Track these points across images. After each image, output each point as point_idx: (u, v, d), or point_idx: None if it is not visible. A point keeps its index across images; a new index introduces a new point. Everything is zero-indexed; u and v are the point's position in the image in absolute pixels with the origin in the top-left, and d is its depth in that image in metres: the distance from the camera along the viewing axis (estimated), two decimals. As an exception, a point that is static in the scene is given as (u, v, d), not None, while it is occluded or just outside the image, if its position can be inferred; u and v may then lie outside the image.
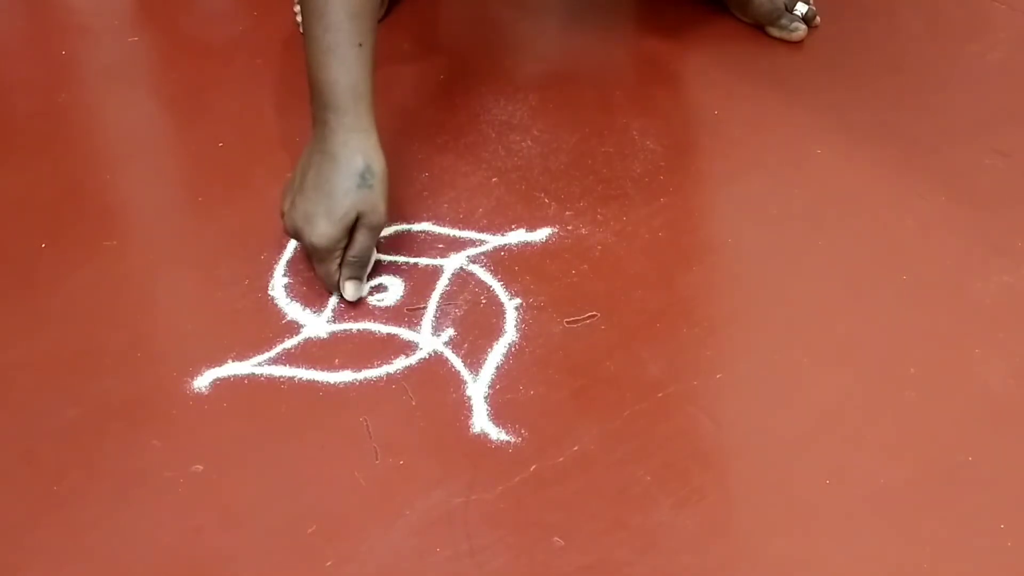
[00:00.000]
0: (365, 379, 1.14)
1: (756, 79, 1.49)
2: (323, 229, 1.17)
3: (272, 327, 1.19)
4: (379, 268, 1.24)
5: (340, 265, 1.19)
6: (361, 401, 1.12)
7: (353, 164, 1.17)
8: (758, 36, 1.56)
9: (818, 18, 1.56)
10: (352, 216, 1.17)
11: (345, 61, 1.17)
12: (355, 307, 1.20)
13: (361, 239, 1.18)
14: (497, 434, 1.09)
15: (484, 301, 1.21)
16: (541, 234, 1.28)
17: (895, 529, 1.01)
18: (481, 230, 1.28)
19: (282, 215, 1.21)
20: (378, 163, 1.18)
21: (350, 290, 1.19)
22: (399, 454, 1.07)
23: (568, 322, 1.18)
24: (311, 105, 1.20)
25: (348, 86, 1.17)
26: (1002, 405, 1.10)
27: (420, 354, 1.16)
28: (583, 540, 1.00)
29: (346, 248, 1.19)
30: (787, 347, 1.16)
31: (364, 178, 1.17)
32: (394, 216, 1.29)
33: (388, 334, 1.18)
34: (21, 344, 1.18)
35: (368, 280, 1.22)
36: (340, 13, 1.16)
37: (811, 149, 1.39)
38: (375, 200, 1.17)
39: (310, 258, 1.21)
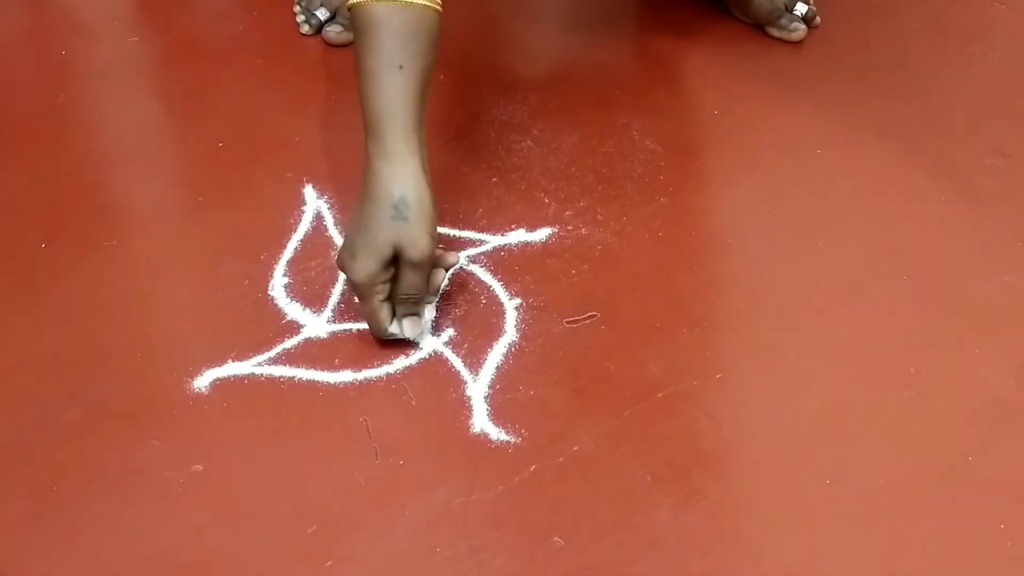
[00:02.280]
0: (365, 379, 1.14)
1: (756, 79, 1.49)
2: (360, 263, 1.11)
3: (272, 327, 1.19)
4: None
5: (389, 301, 1.13)
6: (361, 401, 1.12)
7: (385, 195, 1.11)
8: (758, 36, 1.56)
9: (818, 18, 1.56)
10: (388, 251, 1.10)
11: (382, 85, 1.12)
12: (355, 307, 1.19)
13: (408, 275, 1.12)
14: (497, 434, 1.08)
15: (484, 301, 1.21)
16: (541, 234, 1.28)
17: (895, 529, 1.01)
18: (481, 230, 1.28)
19: None
20: (414, 193, 1.11)
21: (408, 327, 1.13)
22: (399, 454, 1.07)
23: (568, 322, 1.18)
24: None
25: (383, 112, 1.12)
26: (1002, 405, 1.10)
27: (420, 354, 1.16)
28: (583, 540, 1.00)
29: (395, 283, 1.13)
30: (787, 347, 1.16)
31: (398, 209, 1.10)
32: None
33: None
34: (21, 344, 1.18)
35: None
36: (384, 36, 1.11)
37: (811, 149, 1.39)
38: (413, 233, 1.10)
39: (357, 293, 1.14)
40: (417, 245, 1.11)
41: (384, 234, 1.11)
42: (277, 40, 1.58)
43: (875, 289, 1.22)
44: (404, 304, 1.14)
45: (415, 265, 1.12)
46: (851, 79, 1.49)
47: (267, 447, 1.09)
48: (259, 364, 1.15)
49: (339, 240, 1.27)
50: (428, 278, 1.14)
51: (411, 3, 1.12)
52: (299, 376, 1.14)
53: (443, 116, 1.44)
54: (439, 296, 1.18)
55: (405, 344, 1.16)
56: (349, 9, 1.15)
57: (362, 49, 1.13)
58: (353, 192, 1.16)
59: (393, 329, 1.14)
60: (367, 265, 1.11)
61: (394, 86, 1.12)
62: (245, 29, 1.61)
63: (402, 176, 1.11)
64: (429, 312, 1.16)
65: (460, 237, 1.28)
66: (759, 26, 1.56)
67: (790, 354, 1.16)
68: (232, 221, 1.31)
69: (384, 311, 1.13)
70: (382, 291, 1.13)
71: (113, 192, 1.39)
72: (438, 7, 1.14)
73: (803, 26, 1.54)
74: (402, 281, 1.13)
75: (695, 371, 1.14)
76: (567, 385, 1.13)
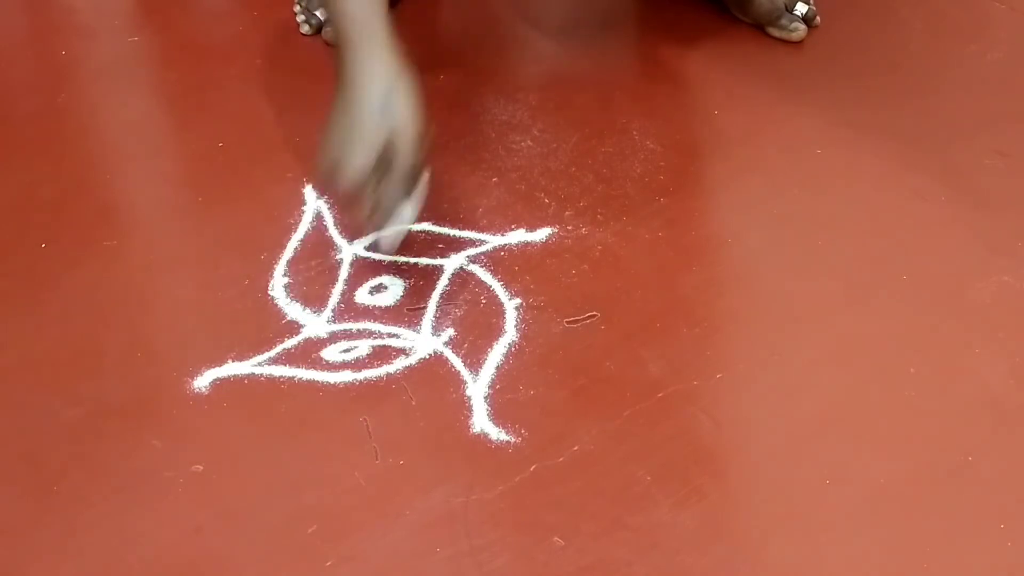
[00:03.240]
0: (365, 379, 1.14)
1: (756, 79, 1.49)
2: (355, 158, 1.13)
3: (272, 327, 1.19)
4: (379, 268, 1.24)
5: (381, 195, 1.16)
6: (361, 401, 1.12)
7: (373, 87, 1.15)
8: (758, 36, 1.56)
9: (818, 18, 1.56)
10: (380, 141, 1.14)
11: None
12: (355, 307, 1.20)
13: (403, 152, 1.14)
14: (497, 434, 1.09)
15: (484, 301, 1.21)
16: (541, 234, 1.28)
17: (895, 529, 1.01)
18: (481, 230, 1.28)
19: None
20: (402, 82, 1.16)
21: (408, 212, 1.17)
22: (399, 454, 1.07)
23: (568, 322, 1.18)
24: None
25: (361, 18, 1.17)
26: (1002, 405, 1.10)
27: (420, 354, 1.16)
28: (583, 540, 1.00)
29: (385, 178, 1.15)
30: (787, 347, 1.16)
31: (388, 99, 1.15)
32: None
33: (388, 334, 1.18)
34: (21, 344, 1.18)
35: (368, 280, 1.20)
36: None
37: (811, 149, 1.39)
38: (404, 119, 1.15)
39: (346, 197, 1.17)
40: (409, 131, 1.15)
41: (374, 123, 1.14)
42: (277, 40, 1.58)
43: (875, 289, 1.22)
44: (401, 183, 1.16)
45: (411, 141, 1.14)
46: (851, 79, 1.49)
47: (267, 447, 1.09)
48: (259, 364, 1.15)
49: (340, 240, 1.27)
50: (408, 183, 1.17)
51: None
52: (299, 376, 1.14)
53: (443, 116, 1.43)
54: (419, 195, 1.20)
55: (405, 344, 1.16)
56: None
57: None
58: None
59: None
60: (361, 159, 1.13)
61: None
62: (245, 29, 1.61)
63: (387, 68, 1.16)
64: (410, 211, 1.18)
65: (460, 237, 1.28)
66: (759, 26, 1.56)
67: (790, 354, 1.16)
68: (232, 221, 1.31)
69: (375, 199, 1.16)
70: (373, 191, 1.15)
71: (113, 192, 1.39)
72: None
73: (803, 26, 1.54)
74: (396, 162, 1.14)
75: (695, 371, 1.14)
76: (567, 385, 1.13)
